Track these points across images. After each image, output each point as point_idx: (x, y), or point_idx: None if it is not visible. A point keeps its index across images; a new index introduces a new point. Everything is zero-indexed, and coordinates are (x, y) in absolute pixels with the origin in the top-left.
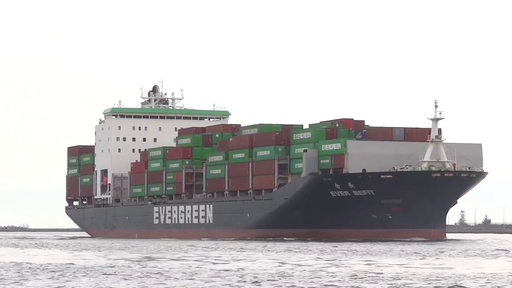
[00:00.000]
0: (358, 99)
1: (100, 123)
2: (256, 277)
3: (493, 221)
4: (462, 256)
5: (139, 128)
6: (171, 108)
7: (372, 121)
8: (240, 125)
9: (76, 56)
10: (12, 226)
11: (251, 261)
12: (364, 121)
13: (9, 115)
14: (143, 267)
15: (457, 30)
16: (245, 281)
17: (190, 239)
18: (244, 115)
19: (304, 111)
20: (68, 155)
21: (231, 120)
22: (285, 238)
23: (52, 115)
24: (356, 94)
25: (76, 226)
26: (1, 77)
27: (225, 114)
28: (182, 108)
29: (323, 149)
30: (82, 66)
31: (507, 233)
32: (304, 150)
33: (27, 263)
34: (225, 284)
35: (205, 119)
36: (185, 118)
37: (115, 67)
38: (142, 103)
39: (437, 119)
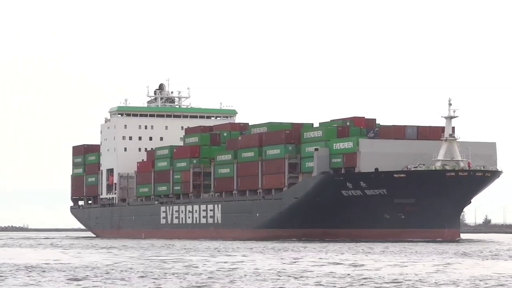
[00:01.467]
0: (367, 97)
1: (105, 122)
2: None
3: (493, 221)
4: None
5: (145, 127)
6: (177, 106)
7: (383, 120)
8: (248, 123)
9: (82, 55)
10: (12, 226)
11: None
12: (375, 119)
13: (12, 115)
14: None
15: (471, 28)
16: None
17: (200, 239)
18: (251, 114)
19: (312, 110)
20: (73, 154)
21: (238, 119)
22: (303, 238)
23: (56, 115)
24: (365, 93)
25: (77, 226)
26: (2, 77)
27: (232, 113)
28: (189, 107)
29: (334, 148)
30: (88, 65)
31: (507, 233)
32: (315, 148)
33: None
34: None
35: (212, 118)
36: (191, 116)
37: (121, 65)
38: (148, 102)
39: (451, 117)
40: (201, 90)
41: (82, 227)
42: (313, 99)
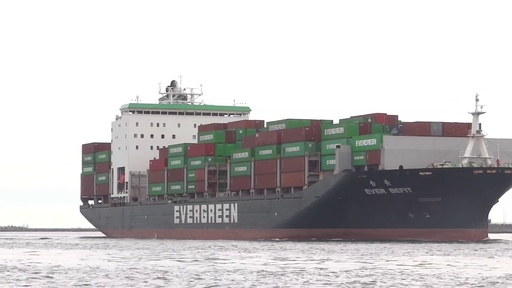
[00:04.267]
0: (386, 94)
1: (116, 119)
2: None
3: (493, 221)
4: None
5: (157, 125)
6: (190, 104)
7: (404, 116)
8: (264, 121)
9: (92, 51)
10: (12, 226)
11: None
12: (397, 116)
13: (17, 113)
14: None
15: (497, 22)
16: None
17: (216, 240)
18: (265, 111)
19: (328, 107)
20: (82, 153)
21: (251, 116)
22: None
23: (66, 112)
24: (384, 90)
25: (77, 226)
26: (9, 74)
27: (246, 110)
28: (202, 104)
29: (357, 145)
30: (98, 61)
31: (507, 232)
32: (337, 146)
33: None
34: None
35: (225, 115)
36: (204, 114)
37: (132, 61)
38: (160, 99)
39: (478, 113)
40: (214, 87)
41: (86, 226)
42: (329, 96)
